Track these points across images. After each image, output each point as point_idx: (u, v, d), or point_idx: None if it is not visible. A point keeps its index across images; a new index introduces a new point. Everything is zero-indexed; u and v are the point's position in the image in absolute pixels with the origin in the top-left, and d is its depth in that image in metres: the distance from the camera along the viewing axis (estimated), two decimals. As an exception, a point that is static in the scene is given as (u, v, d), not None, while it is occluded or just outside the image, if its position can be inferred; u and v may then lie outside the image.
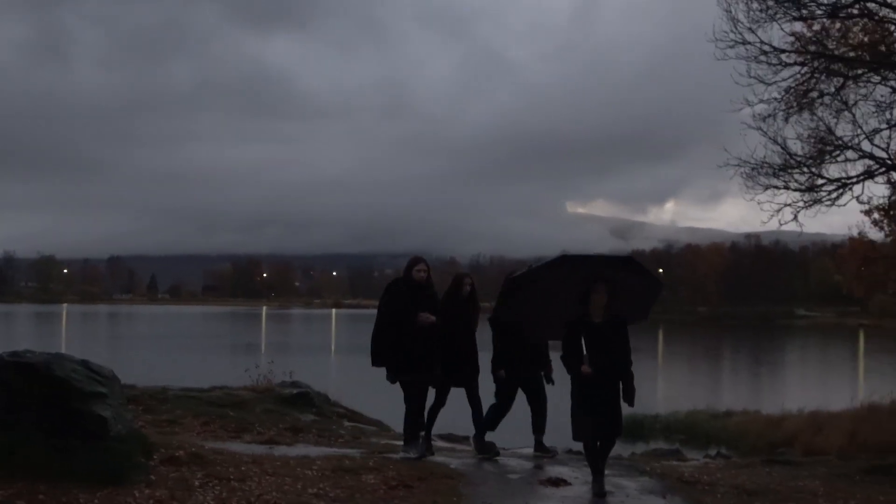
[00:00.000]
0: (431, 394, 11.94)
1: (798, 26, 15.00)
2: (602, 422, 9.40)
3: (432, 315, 11.38)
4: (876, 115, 15.71)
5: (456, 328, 11.65)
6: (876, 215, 21.60)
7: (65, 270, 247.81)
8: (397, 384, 11.65)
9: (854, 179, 15.22)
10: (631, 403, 9.35)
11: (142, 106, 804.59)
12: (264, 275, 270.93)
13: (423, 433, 11.92)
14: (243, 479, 9.24)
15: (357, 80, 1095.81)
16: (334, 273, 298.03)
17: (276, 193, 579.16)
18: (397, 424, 18.92)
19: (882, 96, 15.70)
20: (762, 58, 14.53)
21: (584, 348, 9.36)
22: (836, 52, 15.30)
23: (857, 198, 15.99)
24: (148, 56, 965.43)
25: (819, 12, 14.51)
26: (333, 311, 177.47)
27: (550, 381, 12.30)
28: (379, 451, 12.61)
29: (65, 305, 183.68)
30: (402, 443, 12.06)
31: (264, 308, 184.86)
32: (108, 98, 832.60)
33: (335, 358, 60.05)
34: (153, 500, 8.09)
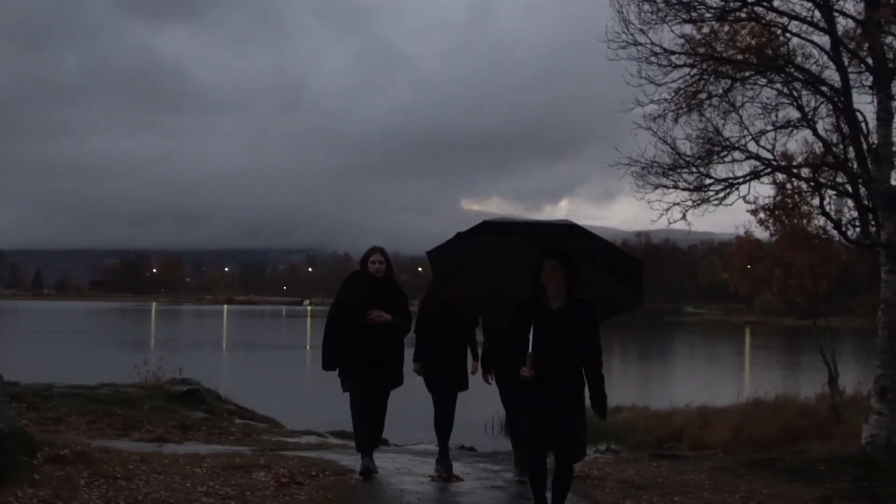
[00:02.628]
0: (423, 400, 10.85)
1: (688, 29, 15.23)
2: (553, 441, 7.16)
3: (387, 313, 9.98)
4: (762, 116, 16.04)
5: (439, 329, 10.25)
6: (762, 215, 22.14)
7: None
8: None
9: (741, 179, 15.50)
10: (602, 415, 7.22)
11: (27, 96, 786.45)
12: (154, 270, 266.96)
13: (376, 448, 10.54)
14: (130, 477, 9.08)
15: (252, 74, 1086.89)
16: (226, 269, 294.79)
17: (167, 187, 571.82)
18: (289, 421, 18.88)
19: (768, 98, 16.04)
20: (653, 59, 14.70)
21: (531, 342, 7.10)
22: (725, 55, 15.57)
23: (744, 198, 16.29)
24: (35, 45, 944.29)
25: (708, 15, 14.74)
26: (225, 307, 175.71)
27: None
28: (270, 448, 12.50)
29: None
30: (294, 440, 11.93)
31: (154, 304, 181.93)
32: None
33: (226, 355, 59.34)
34: (37, 499, 7.91)
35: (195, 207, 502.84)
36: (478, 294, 8.49)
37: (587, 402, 7.28)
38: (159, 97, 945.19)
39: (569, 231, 7.49)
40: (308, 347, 63.90)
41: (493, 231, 7.69)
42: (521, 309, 7.30)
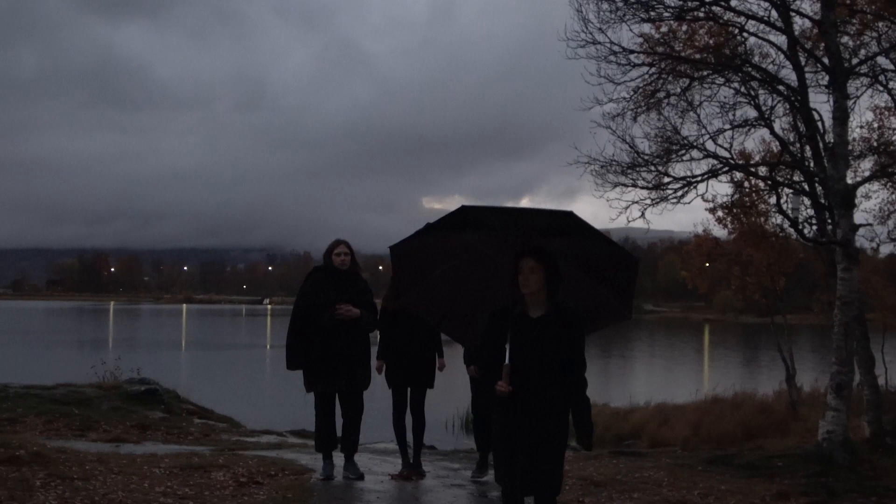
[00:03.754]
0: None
1: (646, 28, 15.32)
2: (535, 482, 6.00)
3: (355, 308, 9.62)
4: (720, 115, 16.18)
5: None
6: (720, 213, 22.38)
7: None
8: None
9: (699, 178, 15.61)
10: (587, 445, 6.08)
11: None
12: (112, 269, 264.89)
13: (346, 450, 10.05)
14: (87, 478, 8.98)
15: (212, 71, 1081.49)
16: (185, 268, 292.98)
17: (126, 185, 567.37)
18: (248, 421, 18.79)
19: (726, 98, 16.17)
20: (612, 58, 14.75)
21: (507, 354, 5.96)
22: (683, 54, 15.68)
23: (702, 196, 16.46)
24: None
25: (666, 14, 14.81)
26: (184, 306, 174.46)
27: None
28: (229, 447, 12.44)
29: None
30: (253, 439, 11.80)
31: (112, 303, 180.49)
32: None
33: (185, 354, 58.94)
34: (-9, 501, 7.80)
35: (154, 206, 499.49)
36: (443, 304, 6.90)
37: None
38: (118, 94, 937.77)
39: (562, 224, 6.04)
40: (268, 346, 63.66)
41: (470, 224, 6.23)
42: (494, 318, 6.12)
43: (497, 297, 6.25)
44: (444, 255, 6.60)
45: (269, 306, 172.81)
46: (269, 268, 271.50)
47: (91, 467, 9.53)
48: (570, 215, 5.93)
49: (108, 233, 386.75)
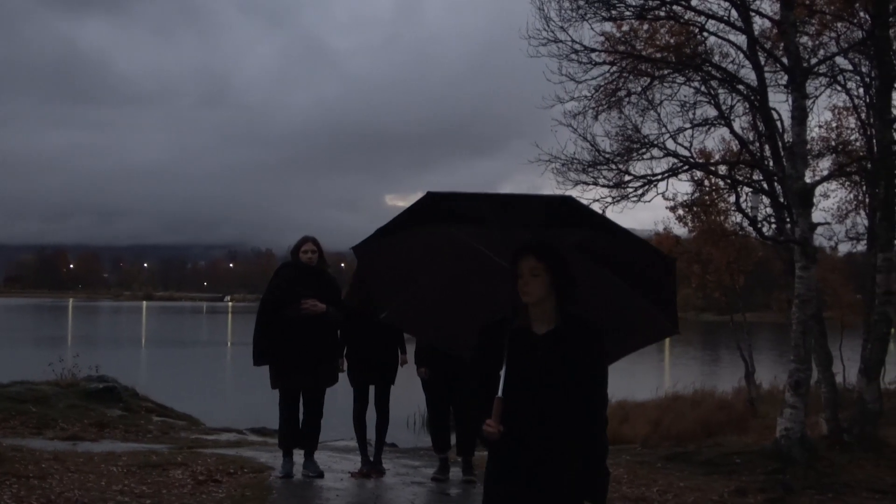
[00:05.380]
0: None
1: (608, 26, 15.38)
2: None
3: (322, 303, 9.54)
4: (680, 114, 16.29)
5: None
6: (680, 211, 22.49)
7: None
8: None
9: (659, 176, 15.69)
10: (600, 500, 4.37)
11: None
12: (70, 266, 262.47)
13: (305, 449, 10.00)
14: (44, 476, 8.91)
15: (175, 67, 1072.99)
16: (145, 264, 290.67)
17: (86, 181, 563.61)
18: (208, 419, 18.69)
19: (686, 97, 16.28)
20: (573, 56, 14.79)
21: (501, 382, 4.37)
22: (644, 53, 15.74)
23: (663, 194, 16.52)
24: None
25: (628, 13, 14.87)
26: (144, 303, 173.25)
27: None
28: (188, 445, 12.36)
29: None
30: (212, 437, 11.73)
31: (71, 300, 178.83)
32: None
33: (145, 352, 58.53)
34: (-56, 500, 7.72)
35: (114, 202, 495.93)
36: (438, 317, 5.43)
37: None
38: (79, 90, 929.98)
39: (569, 213, 4.44)
40: (229, 344, 63.35)
41: (452, 216, 4.65)
42: (486, 334, 4.55)
43: (496, 304, 4.78)
44: (429, 256, 5.04)
45: (230, 304, 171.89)
46: (231, 265, 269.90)
47: (47, 466, 9.45)
48: (569, 201, 4.42)
49: (68, 229, 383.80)
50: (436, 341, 6.49)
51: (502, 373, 4.34)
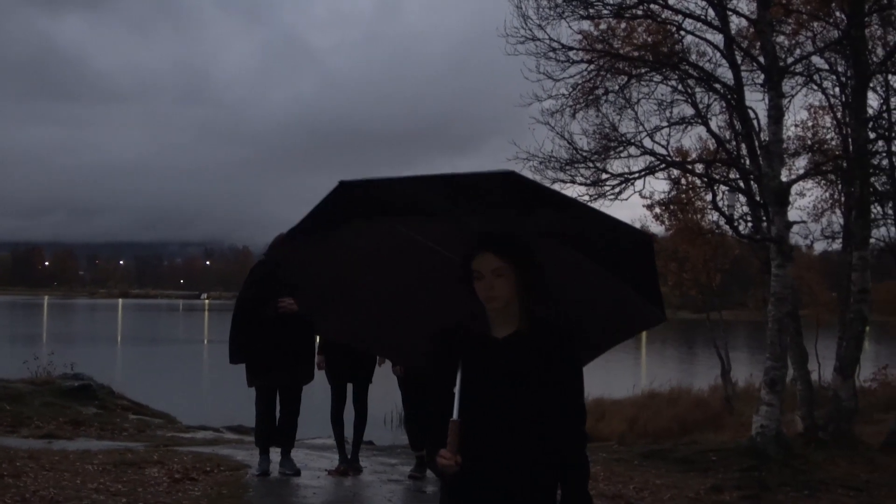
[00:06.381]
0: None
1: (585, 25, 15.44)
2: None
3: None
4: (657, 113, 16.37)
5: None
6: (657, 210, 22.52)
7: None
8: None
9: (636, 175, 15.76)
10: None
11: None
12: (46, 263, 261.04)
13: (284, 447, 9.93)
14: (18, 475, 8.86)
15: (154, 63, 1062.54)
16: (121, 262, 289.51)
17: (62, 178, 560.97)
18: (184, 417, 18.62)
19: (663, 95, 16.37)
20: (551, 54, 14.84)
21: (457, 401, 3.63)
22: (621, 51, 15.79)
23: (640, 192, 16.59)
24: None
25: (605, 12, 14.93)
26: (120, 301, 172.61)
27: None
28: (164, 443, 12.31)
29: None
30: (189, 435, 11.68)
31: (46, 298, 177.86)
32: None
33: (121, 349, 58.28)
34: (-83, 499, 7.66)
35: (90, 199, 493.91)
36: (378, 325, 4.43)
37: None
38: (55, 86, 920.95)
39: (515, 194, 3.44)
40: (205, 342, 63.15)
41: (379, 207, 3.76)
42: (442, 339, 3.79)
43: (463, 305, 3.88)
44: (366, 257, 4.09)
45: (206, 301, 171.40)
46: (207, 262, 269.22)
47: (22, 464, 9.40)
48: (512, 176, 3.25)
49: (43, 226, 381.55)
50: (386, 353, 6.16)
51: (457, 389, 3.58)
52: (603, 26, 15.82)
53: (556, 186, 15.50)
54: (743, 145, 16.13)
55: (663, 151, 16.23)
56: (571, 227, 3.71)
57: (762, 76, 14.30)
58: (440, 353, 3.77)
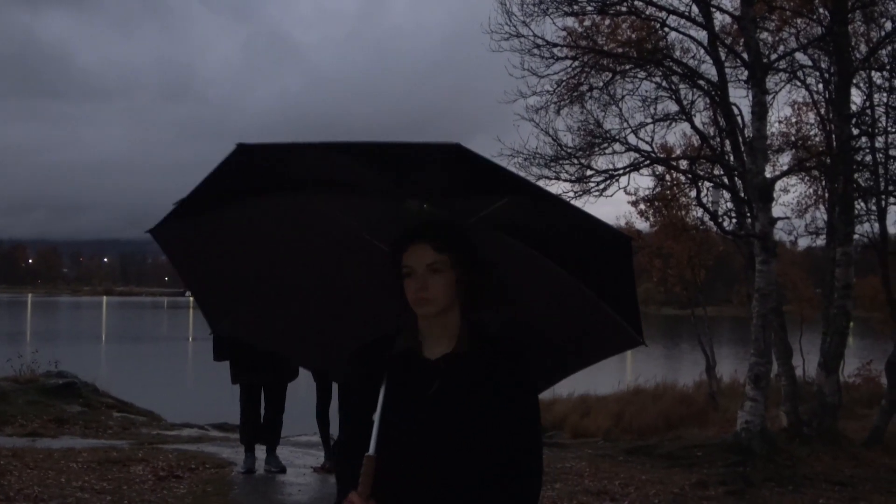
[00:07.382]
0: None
1: (570, 21, 15.48)
2: None
3: None
4: (641, 109, 16.42)
5: None
6: (642, 206, 22.59)
7: None
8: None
9: (621, 171, 15.77)
10: None
11: None
12: (29, 260, 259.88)
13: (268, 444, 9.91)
14: (2, 473, 8.85)
15: (137, 60, 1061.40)
16: (105, 259, 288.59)
17: (46, 175, 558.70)
18: (169, 414, 18.57)
19: (647, 92, 16.41)
20: (535, 51, 14.85)
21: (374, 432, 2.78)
22: (606, 48, 15.82)
23: (624, 189, 16.64)
24: None
25: (590, 8, 14.96)
26: (104, 298, 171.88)
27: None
28: (149, 441, 12.28)
29: None
30: (173, 433, 11.65)
31: (30, 295, 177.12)
32: None
33: (105, 347, 58.06)
34: None
35: (74, 196, 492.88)
36: (292, 326, 3.61)
37: None
38: (39, 83, 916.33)
39: (464, 173, 2.67)
40: (190, 339, 62.96)
41: (296, 180, 2.95)
42: (358, 361, 3.03)
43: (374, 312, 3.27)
44: (270, 241, 3.26)
45: (191, 299, 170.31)
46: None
47: (6, 462, 9.37)
48: (459, 150, 2.47)
49: (27, 223, 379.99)
50: (304, 362, 5.40)
51: (376, 417, 2.81)
52: (587, 23, 15.88)
53: (541, 183, 15.50)
54: (727, 142, 16.18)
55: (648, 148, 16.29)
56: (536, 222, 2.94)
57: (746, 73, 14.34)
58: (356, 375, 3.02)
